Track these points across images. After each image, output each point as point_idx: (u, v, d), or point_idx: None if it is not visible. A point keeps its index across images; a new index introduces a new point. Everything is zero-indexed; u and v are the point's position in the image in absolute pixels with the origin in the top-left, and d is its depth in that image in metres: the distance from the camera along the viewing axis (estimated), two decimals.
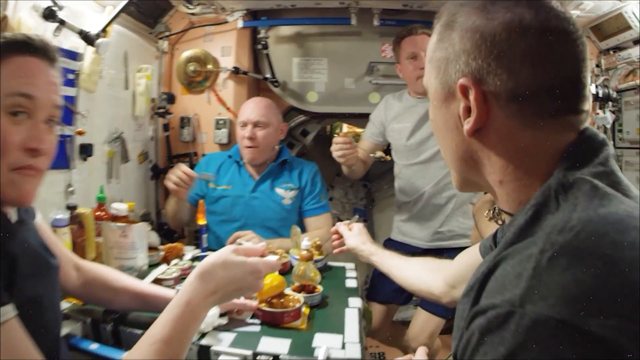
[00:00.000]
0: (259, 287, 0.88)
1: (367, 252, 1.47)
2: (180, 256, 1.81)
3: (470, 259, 1.02)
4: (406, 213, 2.27)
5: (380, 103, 2.39)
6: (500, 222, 0.70)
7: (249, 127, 2.12)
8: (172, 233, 2.48)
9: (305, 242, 1.78)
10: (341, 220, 1.67)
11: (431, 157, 2.14)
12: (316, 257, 1.76)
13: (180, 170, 1.93)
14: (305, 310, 1.37)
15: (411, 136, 2.17)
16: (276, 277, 1.37)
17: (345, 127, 3.64)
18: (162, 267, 1.61)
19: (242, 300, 1.26)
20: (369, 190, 3.49)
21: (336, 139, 1.99)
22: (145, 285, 1.26)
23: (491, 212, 0.70)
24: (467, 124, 0.61)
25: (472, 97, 0.59)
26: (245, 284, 0.85)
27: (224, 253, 0.85)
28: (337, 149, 1.97)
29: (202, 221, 1.95)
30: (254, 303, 1.27)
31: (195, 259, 1.83)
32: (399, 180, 2.31)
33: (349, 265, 1.94)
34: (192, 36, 2.70)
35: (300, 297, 1.38)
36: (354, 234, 1.54)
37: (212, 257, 0.85)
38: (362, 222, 1.61)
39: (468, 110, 0.61)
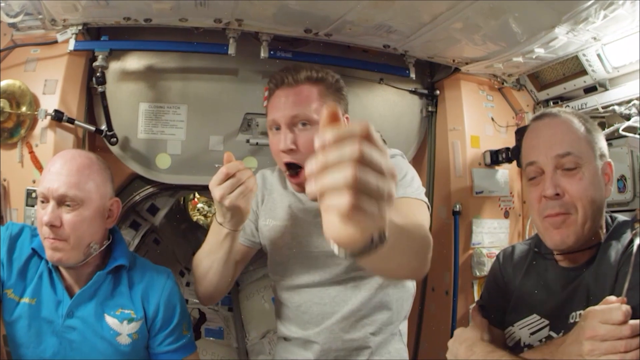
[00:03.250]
0: None
1: None
2: None
3: None
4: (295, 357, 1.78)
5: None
6: None
7: (51, 206, 1.54)
8: None
9: None
10: None
11: (336, 275, 1.66)
12: None
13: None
14: None
15: (295, 242, 1.72)
16: None
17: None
18: None
19: None
20: None
21: (227, 167, 1.43)
22: None
23: None
24: None
25: None
26: None
27: None
28: (230, 187, 1.41)
29: None
30: None
31: None
32: (283, 309, 1.80)
33: None
34: (15, 61, 2.22)
35: None
36: None
37: None
38: None
39: None
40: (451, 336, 2.75)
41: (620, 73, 2.45)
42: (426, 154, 2.76)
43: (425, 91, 2.67)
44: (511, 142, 2.69)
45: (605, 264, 1.20)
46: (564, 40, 2.20)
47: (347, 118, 1.69)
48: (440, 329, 2.62)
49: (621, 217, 1.34)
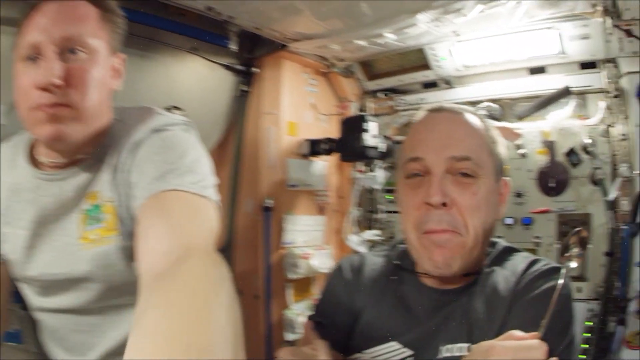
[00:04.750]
0: None
1: None
2: None
3: None
4: None
5: None
6: None
7: None
8: None
9: None
10: None
11: (88, 302, 1.31)
12: None
13: None
14: None
15: (31, 255, 1.31)
16: None
17: None
18: None
19: None
20: None
21: None
22: None
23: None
24: None
25: None
26: None
27: None
28: None
29: None
30: None
31: None
32: (42, 330, 1.55)
33: None
34: None
35: None
36: None
37: None
38: None
39: None
40: (266, 346, 2.67)
41: (470, 72, 2.50)
42: (234, 139, 2.60)
43: (242, 67, 2.52)
44: (332, 132, 2.64)
45: (492, 293, 1.06)
46: (422, 29, 2.15)
47: (122, 59, 1.30)
48: (251, 337, 2.49)
49: (502, 241, 1.21)
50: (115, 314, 1.30)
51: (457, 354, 1.02)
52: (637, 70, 2.10)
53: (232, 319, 0.75)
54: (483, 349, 0.91)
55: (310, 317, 1.22)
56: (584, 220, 2.30)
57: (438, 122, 1.13)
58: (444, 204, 1.04)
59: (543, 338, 0.88)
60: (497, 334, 0.95)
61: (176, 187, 1.06)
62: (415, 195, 1.08)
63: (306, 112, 2.64)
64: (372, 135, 2.48)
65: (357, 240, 2.66)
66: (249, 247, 2.51)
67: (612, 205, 2.16)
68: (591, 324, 2.15)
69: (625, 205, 2.15)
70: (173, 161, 1.13)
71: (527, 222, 2.44)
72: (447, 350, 1.04)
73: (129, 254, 1.15)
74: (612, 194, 2.15)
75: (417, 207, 1.07)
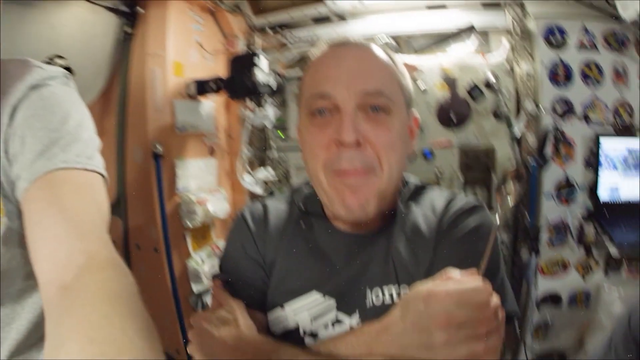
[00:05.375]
0: None
1: None
2: None
3: None
4: None
5: None
6: None
7: None
8: None
9: None
10: None
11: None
12: None
13: None
14: None
15: None
16: None
17: None
18: None
19: None
20: None
21: None
22: None
23: None
24: None
25: None
26: None
27: None
28: None
29: None
30: None
31: None
32: None
33: None
34: None
35: None
36: None
37: None
38: None
39: None
40: (175, 301, 2.59)
41: (366, 9, 2.52)
42: (119, 85, 2.45)
43: (126, 9, 2.35)
44: (219, 71, 2.59)
45: (414, 233, 1.02)
46: None
47: None
48: (157, 294, 2.44)
49: (413, 178, 1.16)
50: (14, 302, 1.19)
51: (387, 298, 0.99)
52: (544, 12, 2.22)
53: (149, 337, 0.75)
54: (421, 295, 0.83)
55: (217, 277, 1.12)
56: (488, 154, 2.38)
57: (344, 56, 1.04)
58: (358, 143, 0.98)
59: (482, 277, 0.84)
60: (425, 274, 0.93)
61: (63, 164, 0.97)
62: (323, 134, 1.00)
63: (192, 52, 2.54)
64: (262, 72, 2.44)
65: (251, 180, 2.68)
66: (141, 198, 2.42)
67: (518, 140, 2.27)
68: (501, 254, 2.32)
69: (530, 139, 2.27)
70: (56, 128, 1.01)
71: (428, 156, 2.52)
72: (374, 293, 1.00)
73: (16, 237, 1.05)
74: (519, 129, 2.26)
75: (326, 146, 1.00)
